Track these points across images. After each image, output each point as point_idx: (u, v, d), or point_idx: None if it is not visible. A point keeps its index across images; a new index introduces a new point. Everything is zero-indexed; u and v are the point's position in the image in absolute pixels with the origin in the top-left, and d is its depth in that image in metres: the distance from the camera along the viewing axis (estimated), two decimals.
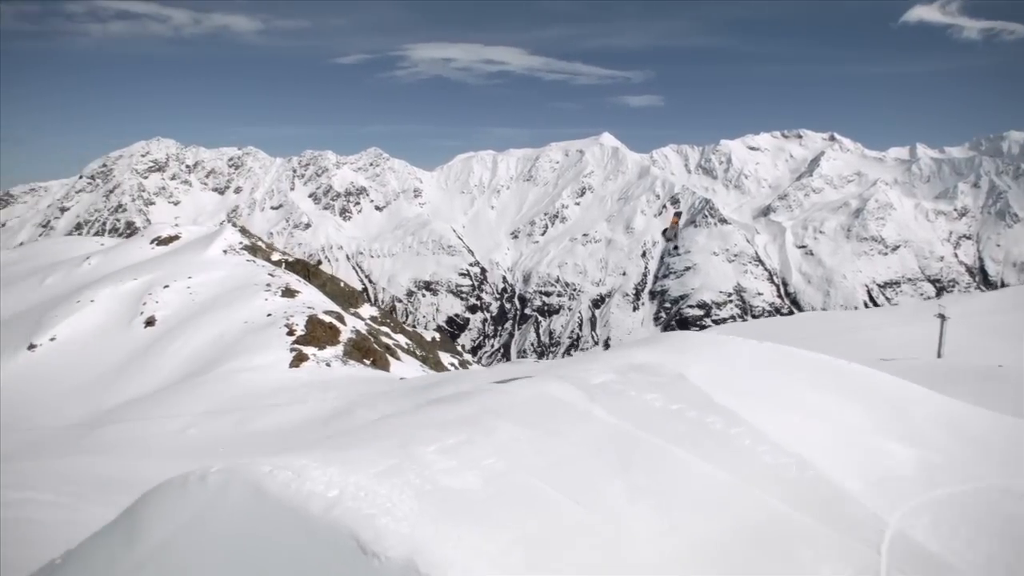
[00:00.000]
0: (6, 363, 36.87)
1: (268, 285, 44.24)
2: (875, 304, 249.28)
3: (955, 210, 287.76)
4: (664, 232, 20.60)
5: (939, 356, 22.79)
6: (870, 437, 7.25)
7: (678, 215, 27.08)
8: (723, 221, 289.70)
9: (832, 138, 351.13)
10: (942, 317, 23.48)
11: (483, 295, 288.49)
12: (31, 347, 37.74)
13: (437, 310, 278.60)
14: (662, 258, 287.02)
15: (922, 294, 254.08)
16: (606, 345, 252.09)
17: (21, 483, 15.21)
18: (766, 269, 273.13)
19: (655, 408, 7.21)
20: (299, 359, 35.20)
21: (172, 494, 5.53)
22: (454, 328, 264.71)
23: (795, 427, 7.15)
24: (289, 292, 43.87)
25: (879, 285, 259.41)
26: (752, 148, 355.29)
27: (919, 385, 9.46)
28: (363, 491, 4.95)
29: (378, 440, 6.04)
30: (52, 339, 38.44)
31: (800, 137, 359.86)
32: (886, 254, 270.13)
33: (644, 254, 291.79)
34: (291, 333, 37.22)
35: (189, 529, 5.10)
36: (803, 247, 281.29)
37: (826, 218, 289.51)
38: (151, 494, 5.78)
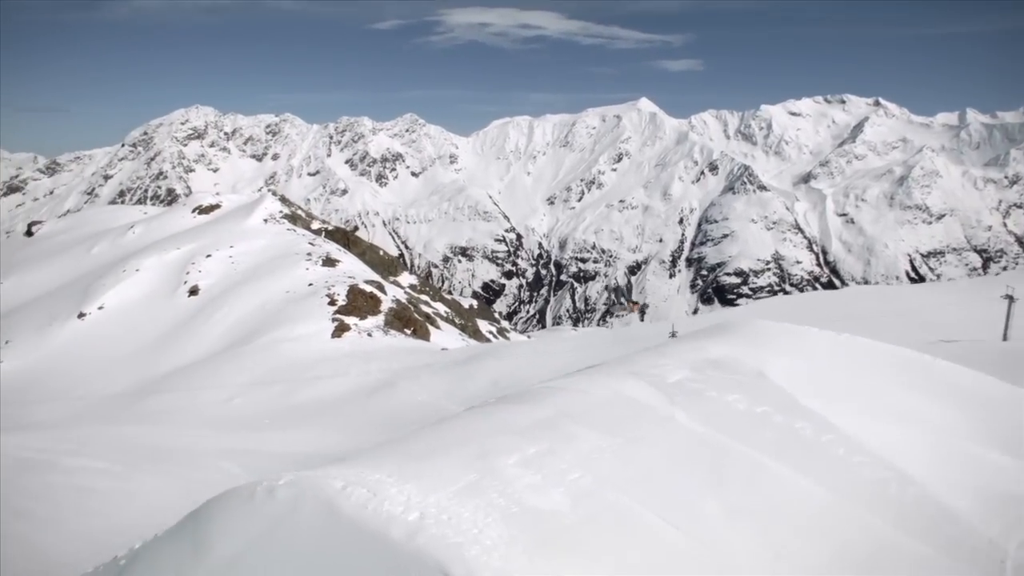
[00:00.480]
0: (58, 331, 37.61)
1: (309, 254, 44.38)
2: (917, 274, 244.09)
3: (1006, 177, 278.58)
4: (618, 303, 20.09)
5: (1005, 339, 21.88)
6: (970, 446, 6.74)
7: (637, 306, 25.58)
8: (762, 188, 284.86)
9: (877, 103, 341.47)
10: (1010, 298, 22.47)
11: (519, 261, 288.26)
12: (81, 315, 38.40)
13: (473, 276, 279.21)
14: (699, 225, 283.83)
15: (967, 264, 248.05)
16: (642, 312, 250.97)
17: (77, 451, 15.40)
18: (805, 237, 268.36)
19: (739, 411, 6.79)
20: (341, 329, 35.32)
21: (239, 505, 5.27)
22: (489, 294, 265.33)
23: (888, 434, 6.67)
24: (330, 261, 43.97)
25: (922, 255, 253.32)
26: (793, 113, 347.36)
27: (987, 374, 8.89)
28: (446, 514, 4.63)
29: (453, 449, 5.71)
30: (100, 308, 39.08)
31: (843, 102, 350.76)
32: (930, 223, 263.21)
33: (681, 221, 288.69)
34: (332, 303, 37.34)
35: (258, 546, 4.83)
36: (844, 215, 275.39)
37: (868, 185, 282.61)
38: (216, 503, 5.52)
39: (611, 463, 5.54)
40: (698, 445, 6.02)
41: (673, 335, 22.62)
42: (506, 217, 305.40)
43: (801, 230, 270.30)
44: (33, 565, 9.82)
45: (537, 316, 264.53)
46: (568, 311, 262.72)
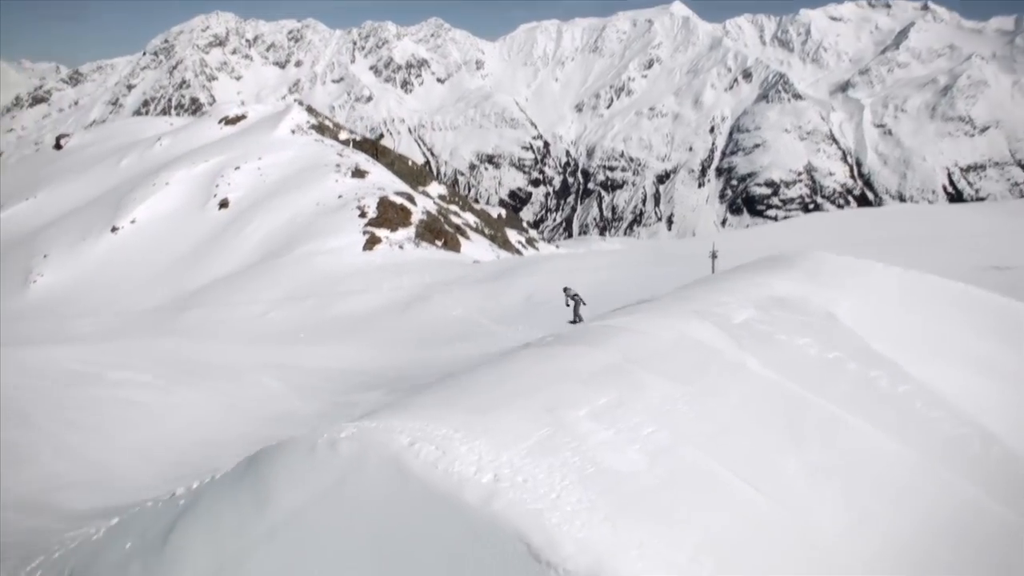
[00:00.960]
0: (93, 245, 37.93)
1: (338, 165, 43.95)
2: (955, 188, 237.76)
3: None
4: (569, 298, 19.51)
5: None
6: None
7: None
8: (797, 96, 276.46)
9: (925, 7, 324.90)
10: None
11: (546, 169, 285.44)
12: (114, 229, 38.62)
13: (499, 183, 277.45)
14: (731, 134, 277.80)
15: (1008, 179, 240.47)
16: (669, 222, 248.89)
17: (121, 364, 15.61)
18: (840, 148, 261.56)
19: (810, 357, 6.48)
20: (372, 242, 35.25)
21: (300, 458, 5.11)
22: (516, 202, 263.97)
23: (966, 385, 6.31)
24: (359, 172, 43.51)
25: (962, 169, 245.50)
26: (834, 18, 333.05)
27: None
28: (520, 475, 4.42)
29: (519, 399, 5.49)
30: (133, 221, 39.24)
31: (888, 6, 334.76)
32: (973, 136, 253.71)
33: (712, 130, 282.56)
34: (363, 215, 37.14)
35: (322, 503, 4.68)
36: (882, 126, 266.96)
37: (909, 95, 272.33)
38: (276, 453, 5.38)
39: (684, 415, 5.30)
40: (772, 395, 5.75)
41: (714, 256, 22.18)
42: (533, 124, 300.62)
43: (836, 141, 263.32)
44: (91, 476, 9.97)
45: (564, 224, 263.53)
46: (595, 219, 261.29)
